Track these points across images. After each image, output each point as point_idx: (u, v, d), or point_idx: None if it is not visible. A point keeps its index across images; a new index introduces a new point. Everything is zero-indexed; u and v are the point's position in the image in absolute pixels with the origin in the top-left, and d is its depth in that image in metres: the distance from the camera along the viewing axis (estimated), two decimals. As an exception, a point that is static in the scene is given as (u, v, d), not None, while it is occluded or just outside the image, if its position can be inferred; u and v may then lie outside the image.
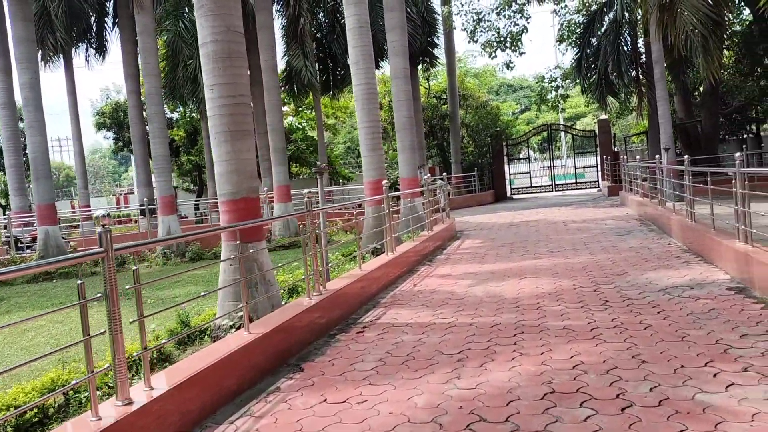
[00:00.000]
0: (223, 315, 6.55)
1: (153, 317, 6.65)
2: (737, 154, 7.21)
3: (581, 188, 29.44)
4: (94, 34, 25.30)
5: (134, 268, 3.98)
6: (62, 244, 16.11)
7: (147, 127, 18.48)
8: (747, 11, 20.42)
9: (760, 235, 7.03)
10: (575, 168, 31.55)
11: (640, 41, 21.01)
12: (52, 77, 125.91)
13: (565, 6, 23.31)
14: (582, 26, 21.92)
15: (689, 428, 3.41)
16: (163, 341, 5.50)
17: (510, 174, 29.37)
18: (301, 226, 7.04)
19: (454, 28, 24.65)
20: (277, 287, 7.08)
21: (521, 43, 21.28)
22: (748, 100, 22.60)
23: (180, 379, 4.10)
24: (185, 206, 30.03)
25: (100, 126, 35.51)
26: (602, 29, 20.62)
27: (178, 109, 31.46)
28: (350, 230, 16.73)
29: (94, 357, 3.53)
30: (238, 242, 6.09)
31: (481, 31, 21.08)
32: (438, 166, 28.19)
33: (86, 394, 4.43)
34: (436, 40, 25.24)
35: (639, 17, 19.49)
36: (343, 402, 4.28)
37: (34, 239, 17.60)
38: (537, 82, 28.75)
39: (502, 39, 20.90)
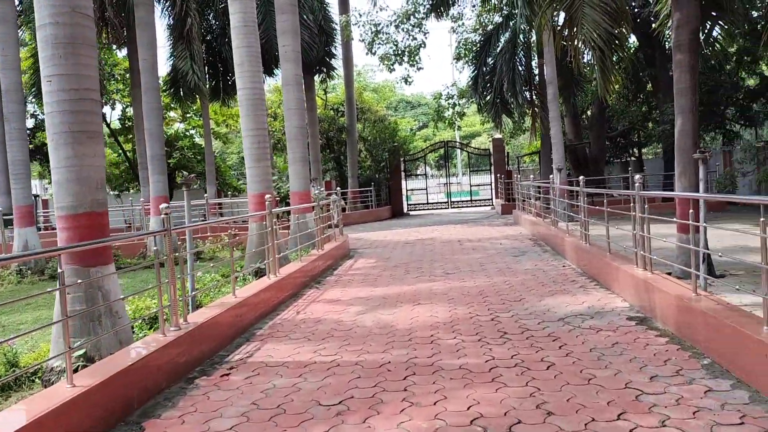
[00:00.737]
0: (55, 356, 5.35)
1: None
2: (637, 176, 6.93)
3: (476, 206, 29.68)
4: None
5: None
6: None
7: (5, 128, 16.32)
8: (633, 38, 21.31)
9: (658, 261, 6.76)
10: (470, 186, 31.85)
11: (534, 62, 21.36)
12: None
13: (462, 24, 23.41)
14: (478, 45, 22.03)
15: None
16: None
17: (407, 190, 29.12)
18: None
19: (353, 39, 24.10)
20: (127, 320, 5.93)
21: (419, 58, 21.06)
22: (632, 124, 23.62)
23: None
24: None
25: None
26: (498, 49, 20.78)
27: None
28: (237, 246, 15.48)
29: None
30: (76, 266, 4.98)
31: (380, 43, 20.63)
32: (334, 180, 27.38)
33: None
34: (334, 51, 24.55)
35: (533, 39, 19.78)
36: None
37: None
38: (435, 99, 28.73)
39: (400, 52, 20.55)
